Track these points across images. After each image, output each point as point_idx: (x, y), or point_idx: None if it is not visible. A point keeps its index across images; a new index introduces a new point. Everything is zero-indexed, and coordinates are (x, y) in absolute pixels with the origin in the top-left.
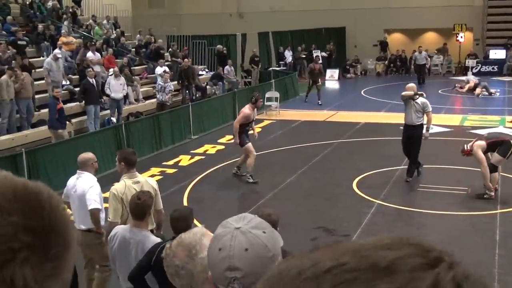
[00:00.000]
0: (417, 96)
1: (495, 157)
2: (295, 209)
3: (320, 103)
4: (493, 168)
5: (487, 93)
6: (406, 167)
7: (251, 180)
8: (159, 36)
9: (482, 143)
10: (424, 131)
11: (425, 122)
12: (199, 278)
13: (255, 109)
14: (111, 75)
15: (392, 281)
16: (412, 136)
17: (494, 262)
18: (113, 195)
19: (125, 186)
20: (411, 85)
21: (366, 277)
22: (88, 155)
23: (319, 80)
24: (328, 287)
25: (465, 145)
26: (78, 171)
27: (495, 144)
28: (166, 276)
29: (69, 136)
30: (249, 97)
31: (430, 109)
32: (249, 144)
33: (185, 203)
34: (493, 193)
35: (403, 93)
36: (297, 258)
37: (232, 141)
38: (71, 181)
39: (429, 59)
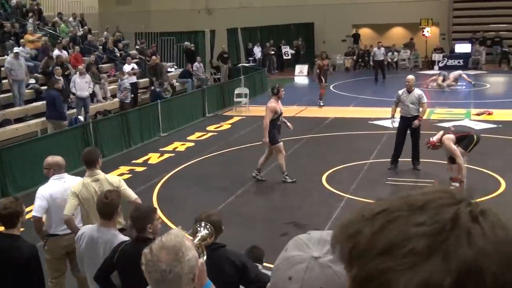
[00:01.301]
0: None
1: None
2: (266, 204)
3: (322, 104)
4: (455, 160)
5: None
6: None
7: (289, 180)
8: (127, 33)
9: (452, 136)
10: (416, 121)
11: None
12: (185, 280)
13: (279, 101)
14: (76, 73)
15: (423, 215)
16: (410, 126)
17: None
18: (70, 192)
19: (83, 183)
20: (411, 77)
21: (405, 214)
22: (59, 157)
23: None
24: (381, 222)
25: (430, 138)
26: (57, 174)
27: (462, 137)
28: (130, 275)
29: (36, 135)
30: (272, 89)
31: (426, 100)
32: (281, 143)
33: (154, 201)
34: (458, 184)
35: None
36: (361, 207)
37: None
38: (56, 186)
39: (387, 55)
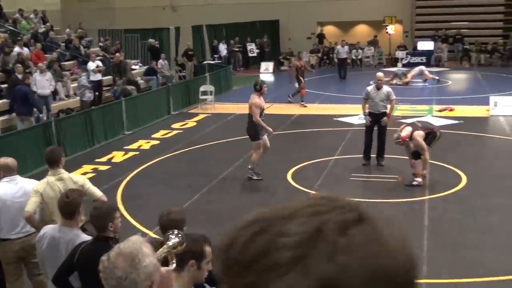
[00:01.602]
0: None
1: None
2: (231, 202)
3: (305, 104)
4: (418, 156)
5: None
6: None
7: (255, 177)
8: (90, 30)
9: (422, 133)
10: (385, 118)
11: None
12: (142, 287)
13: (261, 97)
14: (36, 71)
15: (292, 224)
16: (378, 123)
17: (423, 247)
18: (33, 190)
19: (46, 182)
20: (381, 74)
21: (276, 223)
22: (10, 159)
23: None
24: (251, 232)
25: (399, 134)
26: (7, 177)
27: (428, 134)
28: (91, 275)
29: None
30: (255, 84)
31: (394, 97)
32: (261, 141)
33: (119, 200)
34: (421, 179)
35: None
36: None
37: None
38: (6, 189)
39: (352, 52)
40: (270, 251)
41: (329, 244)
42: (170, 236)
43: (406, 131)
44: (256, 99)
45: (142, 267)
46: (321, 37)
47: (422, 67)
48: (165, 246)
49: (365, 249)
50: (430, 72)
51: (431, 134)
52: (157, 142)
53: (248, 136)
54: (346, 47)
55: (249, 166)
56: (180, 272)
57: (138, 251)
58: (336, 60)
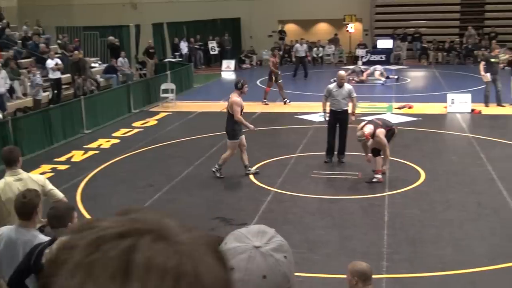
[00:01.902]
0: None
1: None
2: (193, 201)
3: (288, 101)
4: (378, 153)
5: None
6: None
7: (218, 174)
8: (48, 27)
9: (384, 130)
10: (353, 117)
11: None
12: None
13: (241, 96)
14: None
15: (69, 254)
16: (340, 120)
17: (383, 242)
18: None
19: (4, 182)
20: (342, 72)
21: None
22: None
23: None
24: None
25: (363, 131)
26: None
27: (388, 131)
28: None
29: None
30: (236, 83)
31: (355, 94)
32: (237, 141)
33: (78, 200)
34: (380, 176)
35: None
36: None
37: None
38: None
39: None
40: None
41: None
42: None
43: (368, 129)
44: (236, 97)
45: None
46: (282, 34)
47: (377, 67)
48: None
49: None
50: (386, 71)
51: (390, 131)
52: (117, 141)
53: (226, 133)
54: (305, 45)
55: (219, 162)
56: None
57: None
58: (294, 58)
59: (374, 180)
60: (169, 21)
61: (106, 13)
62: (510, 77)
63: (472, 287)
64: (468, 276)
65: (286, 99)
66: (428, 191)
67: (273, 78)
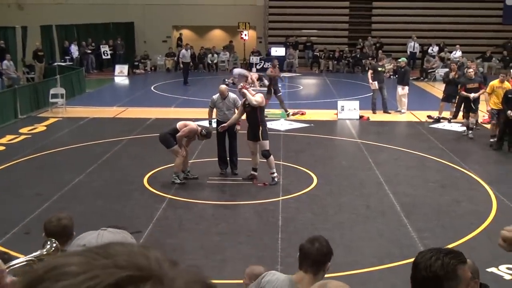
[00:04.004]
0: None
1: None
2: (84, 209)
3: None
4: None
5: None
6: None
7: (276, 180)
8: None
9: None
10: (237, 127)
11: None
12: None
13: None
14: None
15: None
16: (227, 130)
17: (277, 246)
18: None
19: None
20: (223, 87)
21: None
22: None
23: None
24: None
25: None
26: None
27: None
28: None
29: None
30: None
31: (240, 103)
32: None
33: None
34: (276, 175)
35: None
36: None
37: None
38: None
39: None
40: None
41: None
42: (46, 244)
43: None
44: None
45: None
46: (180, 41)
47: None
48: (29, 255)
49: None
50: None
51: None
52: (2, 148)
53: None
54: (189, 51)
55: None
56: None
57: None
58: (181, 64)
59: (276, 179)
60: (58, 23)
61: None
62: (396, 85)
63: (363, 287)
64: (358, 276)
65: (289, 112)
66: (321, 195)
67: (272, 90)
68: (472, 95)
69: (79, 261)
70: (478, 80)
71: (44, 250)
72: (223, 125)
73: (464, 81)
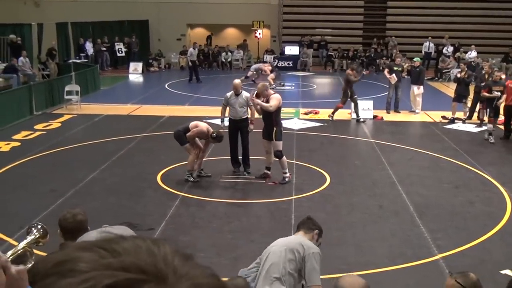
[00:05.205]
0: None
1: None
2: (98, 206)
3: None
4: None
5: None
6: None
7: (287, 179)
8: None
9: None
10: (251, 126)
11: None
12: None
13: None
14: None
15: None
16: (240, 129)
17: None
18: None
19: None
20: (237, 81)
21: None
22: None
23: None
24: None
25: None
26: None
27: None
28: None
29: None
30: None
31: None
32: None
33: None
34: (288, 175)
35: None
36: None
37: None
38: None
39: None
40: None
41: None
42: (32, 230)
43: None
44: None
45: None
46: (209, 39)
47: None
48: (21, 243)
49: None
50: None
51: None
52: (17, 143)
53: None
54: (197, 50)
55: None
56: None
57: None
58: (190, 63)
59: (287, 179)
60: (73, 20)
61: (6, 10)
62: (410, 85)
63: (375, 287)
64: (371, 276)
65: (360, 118)
66: (333, 195)
67: (349, 92)
68: (499, 94)
69: (89, 258)
70: (503, 84)
71: (37, 234)
72: (257, 101)
73: (489, 83)
